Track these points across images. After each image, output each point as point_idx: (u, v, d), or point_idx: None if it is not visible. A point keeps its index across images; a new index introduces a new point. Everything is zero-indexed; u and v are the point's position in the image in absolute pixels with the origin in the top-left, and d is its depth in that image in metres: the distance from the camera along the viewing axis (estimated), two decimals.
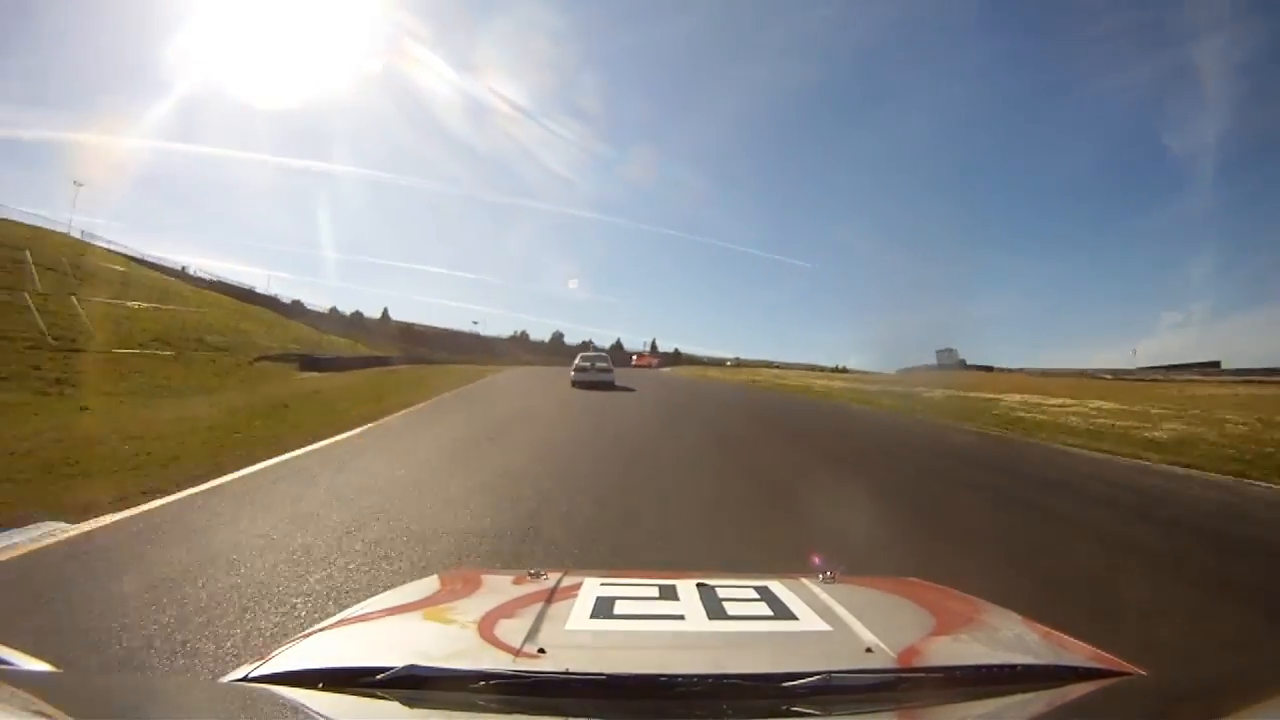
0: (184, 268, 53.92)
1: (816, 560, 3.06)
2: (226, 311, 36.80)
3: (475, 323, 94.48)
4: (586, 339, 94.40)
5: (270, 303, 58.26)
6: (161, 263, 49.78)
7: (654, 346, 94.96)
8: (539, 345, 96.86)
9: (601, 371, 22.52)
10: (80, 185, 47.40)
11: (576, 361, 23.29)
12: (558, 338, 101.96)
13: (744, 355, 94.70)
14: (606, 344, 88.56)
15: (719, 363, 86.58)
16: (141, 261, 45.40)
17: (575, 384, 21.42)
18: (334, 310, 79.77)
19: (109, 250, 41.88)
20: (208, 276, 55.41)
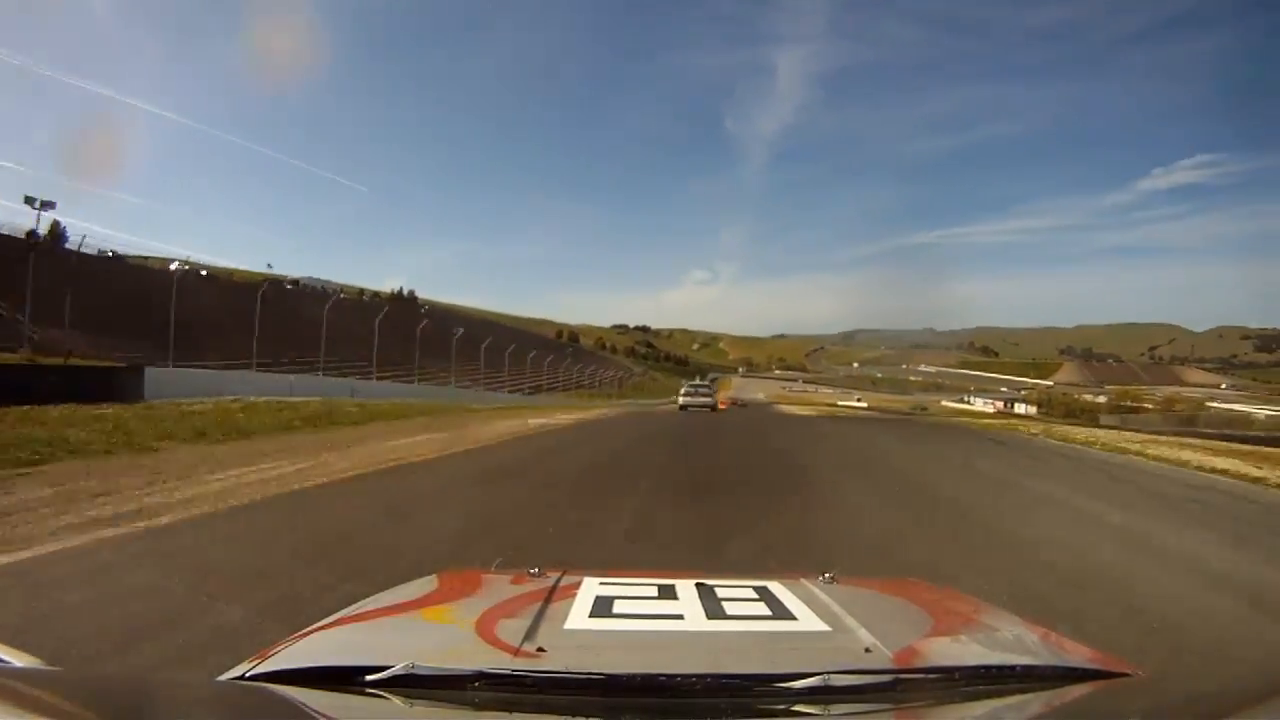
0: None
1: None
2: None
3: None
4: None
5: None
6: None
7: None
8: None
9: (704, 397, 24.86)
10: None
11: (684, 387, 25.95)
12: None
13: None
14: None
15: None
16: None
17: (683, 408, 23.74)
18: None
19: None
20: None
